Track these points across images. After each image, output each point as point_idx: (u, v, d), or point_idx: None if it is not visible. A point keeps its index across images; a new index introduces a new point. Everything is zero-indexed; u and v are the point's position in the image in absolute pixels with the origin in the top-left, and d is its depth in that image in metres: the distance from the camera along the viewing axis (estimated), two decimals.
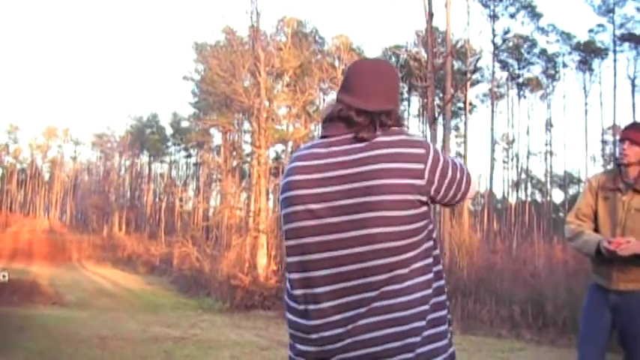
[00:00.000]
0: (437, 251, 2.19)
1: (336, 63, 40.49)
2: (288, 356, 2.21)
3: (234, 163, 47.82)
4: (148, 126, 73.51)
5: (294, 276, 2.16)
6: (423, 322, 2.04)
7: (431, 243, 2.15)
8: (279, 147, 49.17)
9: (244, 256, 26.49)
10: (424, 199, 2.11)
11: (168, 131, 71.17)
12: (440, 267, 2.18)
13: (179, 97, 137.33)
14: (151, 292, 30.40)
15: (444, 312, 2.15)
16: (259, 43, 30.06)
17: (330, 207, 2.07)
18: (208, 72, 41.93)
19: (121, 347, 11.64)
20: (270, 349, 12.00)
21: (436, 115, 24.26)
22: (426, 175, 2.10)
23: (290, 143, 46.07)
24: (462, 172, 2.25)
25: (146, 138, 71.80)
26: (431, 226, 2.16)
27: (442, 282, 2.17)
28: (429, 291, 2.08)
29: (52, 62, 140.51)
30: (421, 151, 2.12)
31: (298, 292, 2.14)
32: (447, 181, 2.16)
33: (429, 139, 2.68)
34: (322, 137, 2.22)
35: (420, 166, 2.09)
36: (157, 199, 71.49)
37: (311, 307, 2.10)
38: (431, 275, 2.11)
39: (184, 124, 64.31)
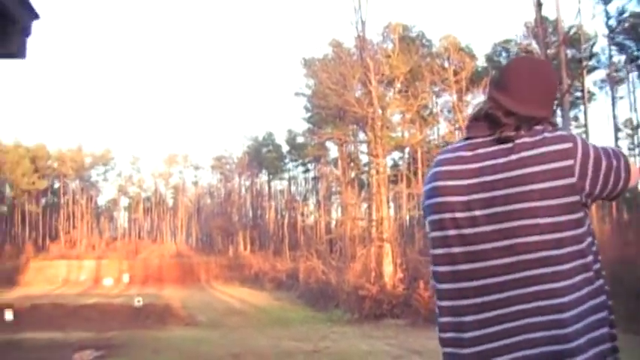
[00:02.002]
0: (595, 255, 1.97)
1: (446, 64, 40.08)
2: None
3: (353, 174, 47.97)
4: (264, 145, 74.92)
5: (444, 286, 2.02)
6: (582, 341, 1.84)
7: (590, 257, 1.94)
8: (396, 154, 49.07)
9: (370, 266, 26.48)
10: (579, 198, 1.91)
11: (285, 148, 72.39)
12: (599, 265, 1.97)
13: (293, 114, 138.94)
14: (279, 308, 30.79)
15: (604, 313, 1.93)
16: (367, 52, 30.08)
17: (477, 216, 1.93)
18: (319, 86, 42.29)
19: None
20: (403, 358, 11.86)
21: (554, 107, 23.59)
22: (577, 171, 1.90)
23: (407, 149, 45.92)
24: (618, 157, 2.02)
25: (263, 157, 73.16)
26: (590, 239, 1.95)
27: (602, 281, 1.95)
28: (586, 306, 1.88)
29: (168, 93, 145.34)
30: (568, 145, 1.92)
31: (448, 303, 2.00)
32: (603, 171, 1.95)
33: None
34: (466, 139, 2.07)
35: (569, 162, 1.90)
36: (279, 216, 72.58)
37: (466, 318, 1.95)
38: (590, 287, 1.91)
39: (300, 139, 65.22)
